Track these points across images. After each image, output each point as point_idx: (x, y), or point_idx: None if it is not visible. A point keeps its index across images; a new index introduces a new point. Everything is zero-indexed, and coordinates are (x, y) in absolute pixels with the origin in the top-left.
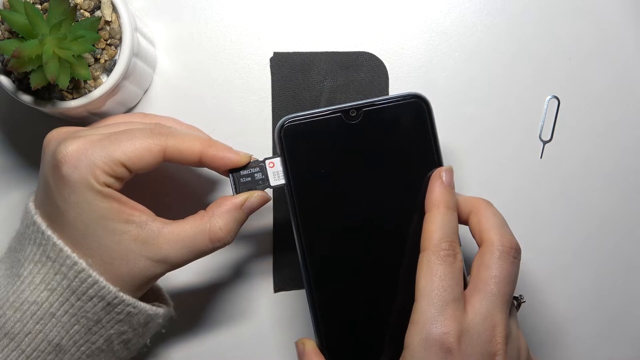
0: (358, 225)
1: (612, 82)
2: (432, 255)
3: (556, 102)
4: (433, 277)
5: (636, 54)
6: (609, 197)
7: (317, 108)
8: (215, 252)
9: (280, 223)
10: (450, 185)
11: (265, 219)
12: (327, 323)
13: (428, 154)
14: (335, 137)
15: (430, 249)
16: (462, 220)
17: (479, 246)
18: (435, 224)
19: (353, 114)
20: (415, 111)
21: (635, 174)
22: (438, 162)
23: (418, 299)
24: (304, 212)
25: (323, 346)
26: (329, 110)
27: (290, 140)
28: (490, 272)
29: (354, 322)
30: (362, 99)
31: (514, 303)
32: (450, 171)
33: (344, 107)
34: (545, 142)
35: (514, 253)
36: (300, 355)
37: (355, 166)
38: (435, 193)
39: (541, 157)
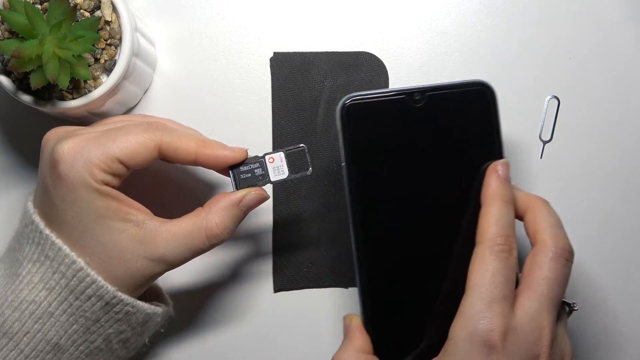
0: (414, 209)
1: (612, 82)
2: (486, 249)
3: (556, 102)
4: (485, 272)
5: (636, 54)
6: (609, 197)
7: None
8: (215, 252)
9: (280, 223)
10: (507, 179)
11: (264, 218)
12: (374, 302)
13: (489, 144)
14: (397, 119)
15: (485, 243)
16: (518, 216)
17: (532, 245)
18: (492, 218)
19: (417, 97)
20: (480, 99)
21: (635, 174)
22: (499, 153)
23: (468, 293)
24: (361, 191)
25: (368, 324)
26: (393, 91)
27: (351, 119)
28: (541, 273)
29: (401, 305)
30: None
31: (566, 309)
32: (507, 165)
33: (409, 89)
34: (545, 142)
35: (567, 255)
36: (346, 330)
37: (415, 150)
38: (492, 187)
39: (541, 157)
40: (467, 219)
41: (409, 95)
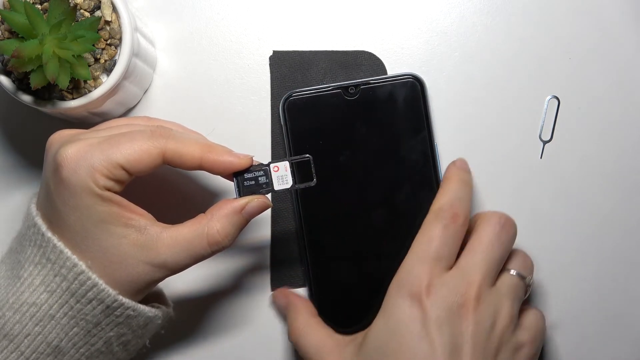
0: (353, 195)
1: (612, 82)
2: (431, 216)
3: (556, 102)
4: (424, 236)
5: (636, 54)
6: (609, 197)
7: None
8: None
9: (278, 221)
10: (463, 167)
11: (263, 217)
12: (318, 279)
13: (420, 131)
14: (334, 112)
15: (431, 212)
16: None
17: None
18: (443, 193)
19: (352, 91)
20: (411, 90)
21: (635, 174)
22: (429, 140)
23: (407, 255)
24: (303, 180)
25: (313, 298)
26: (330, 86)
27: (292, 113)
28: (477, 237)
29: (346, 287)
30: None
31: (522, 284)
32: (462, 160)
33: (344, 84)
34: (545, 142)
35: (503, 222)
36: (288, 301)
37: (352, 139)
38: (450, 171)
39: (541, 157)
40: (404, 202)
41: (345, 89)
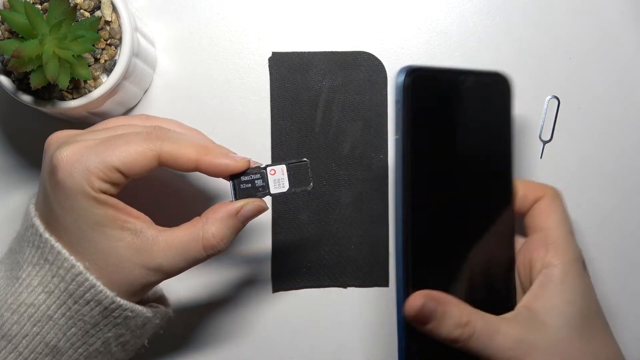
0: (455, 196)
1: (612, 82)
2: (550, 197)
3: (556, 102)
4: (562, 213)
5: (636, 54)
6: (609, 197)
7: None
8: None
9: (278, 222)
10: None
11: (263, 218)
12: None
13: (506, 133)
14: (453, 98)
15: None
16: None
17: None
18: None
19: (464, 78)
20: (505, 90)
21: (635, 174)
22: (513, 143)
23: (551, 232)
24: (414, 163)
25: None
26: (451, 69)
27: (414, 91)
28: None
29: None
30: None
31: None
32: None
33: (464, 70)
34: (545, 142)
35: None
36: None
37: (459, 132)
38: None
39: (541, 157)
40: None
41: (464, 75)
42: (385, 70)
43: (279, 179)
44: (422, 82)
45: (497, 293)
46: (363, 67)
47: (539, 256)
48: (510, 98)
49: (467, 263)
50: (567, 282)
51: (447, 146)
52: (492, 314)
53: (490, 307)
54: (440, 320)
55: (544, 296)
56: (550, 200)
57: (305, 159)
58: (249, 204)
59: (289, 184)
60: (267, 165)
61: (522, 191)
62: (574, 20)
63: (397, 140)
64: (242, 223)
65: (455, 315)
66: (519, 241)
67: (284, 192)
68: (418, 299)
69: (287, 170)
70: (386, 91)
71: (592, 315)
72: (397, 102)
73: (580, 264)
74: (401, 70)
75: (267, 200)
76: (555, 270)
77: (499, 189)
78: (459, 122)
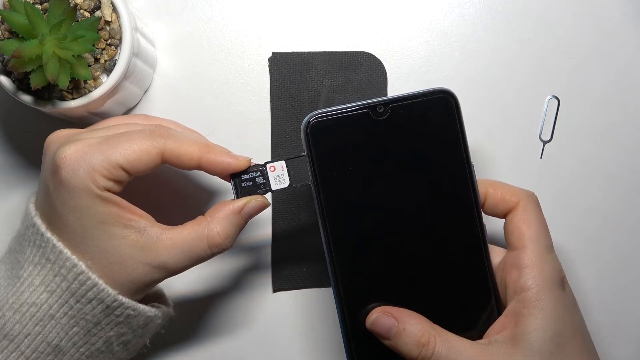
0: (385, 221)
1: (612, 82)
2: (531, 205)
3: (556, 102)
4: (543, 229)
5: (636, 54)
6: (609, 197)
7: (342, 104)
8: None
9: (279, 222)
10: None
11: (263, 217)
12: (356, 333)
13: (456, 150)
14: (362, 133)
15: (529, 196)
16: (504, 211)
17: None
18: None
19: (380, 110)
20: (444, 107)
21: (635, 174)
22: (466, 160)
23: (526, 251)
24: (331, 209)
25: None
26: (356, 105)
27: (316, 137)
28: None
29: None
30: (387, 96)
31: None
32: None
33: (372, 102)
34: (545, 142)
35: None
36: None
37: (382, 163)
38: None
39: (541, 157)
40: (440, 225)
41: (372, 109)
42: (385, 70)
43: (279, 175)
44: (322, 128)
45: (470, 312)
46: (363, 67)
47: (512, 279)
48: (454, 112)
49: (429, 281)
50: (539, 306)
51: (366, 182)
52: (464, 334)
53: (464, 327)
54: (398, 338)
55: (516, 323)
56: (523, 211)
57: (304, 153)
58: (251, 201)
59: (290, 179)
60: (267, 162)
61: (492, 198)
62: (574, 20)
63: (312, 186)
64: (245, 220)
65: (415, 333)
66: (499, 252)
67: (285, 188)
68: (373, 314)
69: (287, 166)
70: (386, 91)
71: (567, 338)
72: (304, 149)
73: (555, 284)
74: (305, 119)
75: (267, 198)
76: (527, 295)
77: (455, 204)
78: (379, 156)
